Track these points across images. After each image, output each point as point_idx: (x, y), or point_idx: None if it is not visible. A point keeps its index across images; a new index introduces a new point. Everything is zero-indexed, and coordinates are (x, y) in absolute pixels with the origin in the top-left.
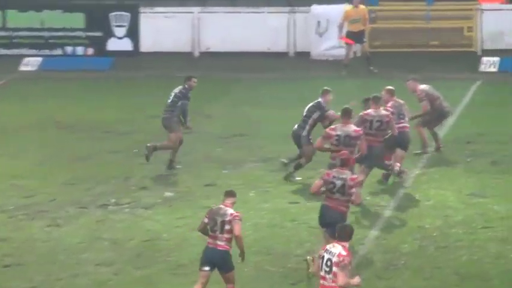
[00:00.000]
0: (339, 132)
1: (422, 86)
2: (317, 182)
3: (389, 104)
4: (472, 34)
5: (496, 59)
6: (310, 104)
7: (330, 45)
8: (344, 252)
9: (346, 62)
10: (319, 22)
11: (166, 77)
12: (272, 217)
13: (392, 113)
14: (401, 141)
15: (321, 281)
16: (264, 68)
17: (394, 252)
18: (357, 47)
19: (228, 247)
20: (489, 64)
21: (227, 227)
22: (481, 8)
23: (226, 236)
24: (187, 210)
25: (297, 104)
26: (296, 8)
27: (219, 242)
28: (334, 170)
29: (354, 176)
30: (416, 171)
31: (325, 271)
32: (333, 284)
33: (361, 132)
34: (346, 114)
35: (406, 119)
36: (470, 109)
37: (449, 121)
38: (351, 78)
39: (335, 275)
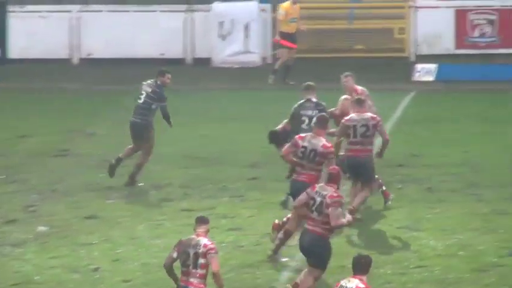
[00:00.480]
0: (305, 144)
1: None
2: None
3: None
4: (404, 36)
5: (433, 66)
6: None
7: (235, 50)
8: (362, 286)
9: (277, 67)
10: (221, 23)
11: (39, 89)
12: (165, 256)
13: None
14: None
15: None
16: None
17: None
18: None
19: (202, 285)
20: (424, 72)
21: (201, 260)
22: (415, 6)
23: (200, 271)
24: (64, 248)
25: (196, 120)
26: (194, 6)
27: (192, 280)
28: (319, 185)
29: (335, 194)
30: None
31: None
32: None
33: (331, 149)
34: (320, 123)
35: None
36: (402, 126)
37: (378, 140)
38: (256, 89)
39: None
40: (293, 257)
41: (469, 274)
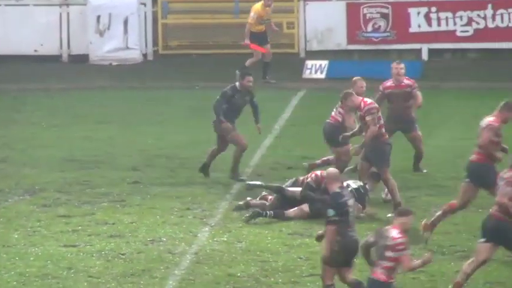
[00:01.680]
0: None
1: None
2: None
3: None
4: (293, 31)
5: (324, 62)
6: None
7: (114, 46)
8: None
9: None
10: (99, 17)
11: None
12: (43, 265)
13: None
14: None
15: None
16: (30, 76)
17: None
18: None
19: (384, 277)
20: (315, 69)
21: (389, 254)
22: None
23: (386, 264)
24: None
25: (73, 121)
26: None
27: (376, 269)
28: None
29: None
30: (225, 204)
31: None
32: None
33: None
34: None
35: None
36: (292, 126)
37: (265, 142)
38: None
39: None
40: (179, 266)
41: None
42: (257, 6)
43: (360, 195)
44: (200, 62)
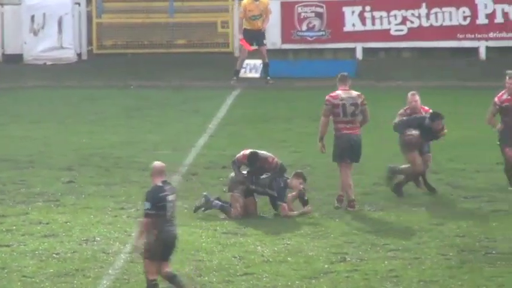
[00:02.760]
0: None
1: None
2: None
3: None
4: (227, 31)
5: (259, 62)
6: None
7: (49, 45)
8: None
9: (239, 68)
10: (33, 17)
11: None
12: None
13: None
14: None
15: None
16: None
17: None
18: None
19: None
20: (250, 68)
21: None
22: None
23: None
24: None
25: (7, 120)
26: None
27: None
28: None
29: None
30: None
31: None
32: None
33: None
34: None
35: None
36: (227, 126)
37: (200, 141)
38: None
39: None
40: (113, 265)
41: (299, 281)
42: (245, 0)
43: (279, 189)
44: (135, 61)
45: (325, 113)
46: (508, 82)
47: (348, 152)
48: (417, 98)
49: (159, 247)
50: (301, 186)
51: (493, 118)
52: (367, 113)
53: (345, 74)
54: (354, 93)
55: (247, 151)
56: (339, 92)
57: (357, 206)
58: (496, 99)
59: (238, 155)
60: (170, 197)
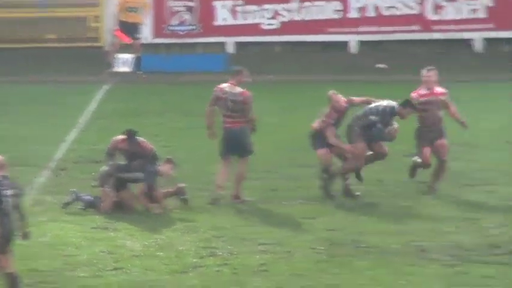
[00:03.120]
0: None
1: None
2: None
3: None
4: (98, 25)
5: (130, 56)
6: None
7: None
8: None
9: (111, 61)
10: None
11: None
12: None
13: None
14: None
15: None
16: None
17: None
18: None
19: None
20: (121, 63)
21: None
22: None
23: None
24: None
25: None
26: None
27: None
28: None
29: None
30: (28, 200)
31: None
32: None
33: None
34: None
35: None
36: (98, 120)
37: (70, 136)
38: None
39: None
40: None
41: (168, 276)
42: None
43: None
44: (4, 56)
45: (210, 103)
46: (425, 75)
47: (229, 146)
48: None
49: None
50: (171, 171)
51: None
52: (247, 112)
53: (238, 68)
54: (238, 89)
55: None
56: (225, 85)
57: (236, 201)
58: (413, 94)
59: (112, 142)
60: (8, 192)
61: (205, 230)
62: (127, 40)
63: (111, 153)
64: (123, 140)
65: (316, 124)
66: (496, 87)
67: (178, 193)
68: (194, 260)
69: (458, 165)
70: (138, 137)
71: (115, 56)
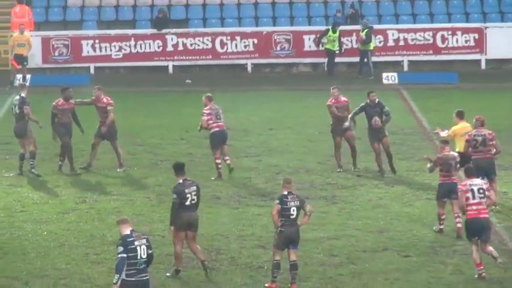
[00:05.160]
0: None
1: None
2: None
3: (207, 108)
4: (8, 56)
5: (20, 75)
6: None
7: None
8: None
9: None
10: None
11: None
12: None
13: (210, 114)
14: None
15: None
16: None
17: None
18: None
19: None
20: (17, 80)
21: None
22: None
23: None
24: None
25: None
26: None
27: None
28: None
29: None
30: None
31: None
32: None
33: None
34: None
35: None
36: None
37: None
38: None
39: None
40: None
41: (56, 215)
42: (15, 33)
43: None
44: None
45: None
46: (332, 91)
47: None
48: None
49: None
50: None
51: None
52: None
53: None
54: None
55: None
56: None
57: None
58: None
59: None
60: None
61: (80, 185)
62: (17, 66)
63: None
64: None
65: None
66: None
67: None
68: (72, 205)
69: None
70: None
71: (15, 75)
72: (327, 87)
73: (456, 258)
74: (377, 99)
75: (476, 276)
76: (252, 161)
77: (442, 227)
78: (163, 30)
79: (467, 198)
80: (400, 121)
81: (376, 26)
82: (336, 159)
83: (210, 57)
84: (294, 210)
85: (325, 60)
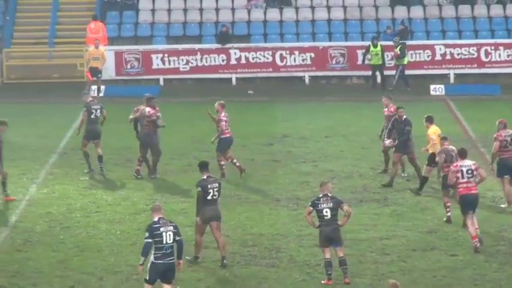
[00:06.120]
0: None
1: None
2: None
3: (223, 114)
4: (83, 68)
5: (95, 86)
6: None
7: None
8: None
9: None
10: None
11: None
12: None
13: (226, 121)
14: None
15: None
16: None
17: (29, 231)
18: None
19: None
20: (92, 91)
21: None
22: None
23: None
24: None
25: None
26: None
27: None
28: None
29: None
30: (43, 171)
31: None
32: None
33: None
34: None
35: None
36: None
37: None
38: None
39: None
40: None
41: (128, 216)
42: (90, 48)
43: None
44: (29, 87)
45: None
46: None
47: None
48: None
49: None
50: None
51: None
52: None
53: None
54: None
55: None
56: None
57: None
58: None
59: None
60: None
61: (149, 188)
62: (91, 78)
63: None
64: None
65: None
66: None
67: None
68: (143, 207)
69: None
70: None
71: (90, 87)
72: (378, 99)
73: (499, 257)
74: (404, 116)
75: (473, 249)
76: (309, 166)
77: (449, 214)
78: (227, 45)
79: (457, 178)
80: (447, 130)
81: (424, 42)
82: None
83: (271, 70)
84: (326, 211)
85: (372, 74)
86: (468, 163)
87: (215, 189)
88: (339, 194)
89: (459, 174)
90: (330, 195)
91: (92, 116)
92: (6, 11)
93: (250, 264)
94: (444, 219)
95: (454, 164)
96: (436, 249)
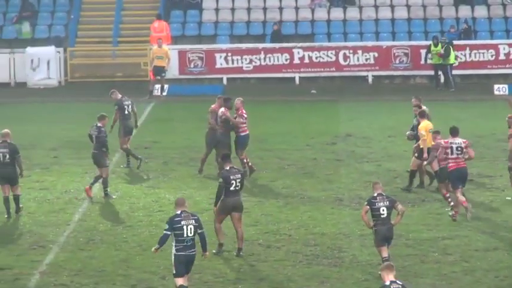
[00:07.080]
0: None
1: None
2: None
3: (244, 112)
4: (147, 68)
5: (158, 86)
6: None
7: (41, 77)
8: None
9: (151, 89)
10: (32, 60)
11: None
12: None
13: (246, 118)
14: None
15: None
16: None
17: (92, 230)
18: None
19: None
20: (155, 90)
21: None
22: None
23: None
24: None
25: (16, 122)
26: (15, 49)
27: None
28: None
29: None
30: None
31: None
32: None
33: None
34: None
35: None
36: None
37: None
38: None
39: None
40: (82, 206)
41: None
42: (154, 47)
43: None
44: (90, 85)
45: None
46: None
47: None
48: None
49: None
50: None
51: None
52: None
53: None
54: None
55: None
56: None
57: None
58: None
59: None
60: None
61: (213, 187)
62: (153, 78)
63: None
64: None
65: None
66: None
67: None
68: (205, 206)
69: None
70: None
71: (153, 86)
72: (442, 98)
73: None
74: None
75: (468, 216)
76: (372, 166)
77: (452, 203)
78: (290, 44)
79: (446, 153)
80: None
81: (488, 41)
82: None
83: (334, 69)
84: (383, 210)
85: (434, 74)
86: (459, 141)
87: (237, 180)
88: (402, 193)
89: (448, 150)
90: (384, 194)
91: (125, 112)
92: (71, 10)
93: (312, 264)
94: (450, 213)
95: (445, 141)
96: (498, 250)
